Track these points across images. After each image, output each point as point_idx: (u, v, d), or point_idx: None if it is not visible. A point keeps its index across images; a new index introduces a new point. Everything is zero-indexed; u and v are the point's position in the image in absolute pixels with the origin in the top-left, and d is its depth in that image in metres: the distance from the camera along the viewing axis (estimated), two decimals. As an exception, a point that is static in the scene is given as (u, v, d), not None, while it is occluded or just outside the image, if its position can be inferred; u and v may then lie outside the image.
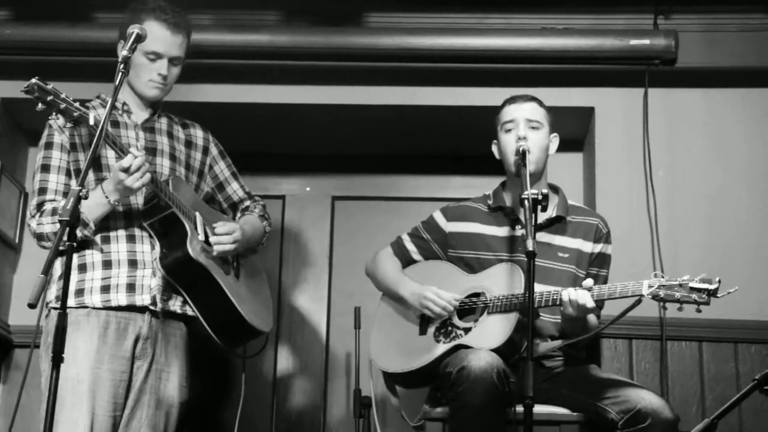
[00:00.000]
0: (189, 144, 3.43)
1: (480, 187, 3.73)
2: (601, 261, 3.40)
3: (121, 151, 3.00)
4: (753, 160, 4.11)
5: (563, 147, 3.57)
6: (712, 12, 4.14)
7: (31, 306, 2.33)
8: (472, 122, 4.10)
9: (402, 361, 3.34)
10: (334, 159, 4.70)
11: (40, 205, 3.14)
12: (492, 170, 3.72)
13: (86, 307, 3.08)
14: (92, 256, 3.13)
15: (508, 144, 3.35)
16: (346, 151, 4.67)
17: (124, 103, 3.28)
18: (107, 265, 3.13)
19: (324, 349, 4.52)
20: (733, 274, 3.67)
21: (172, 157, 3.33)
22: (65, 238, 2.47)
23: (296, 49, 4.15)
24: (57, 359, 2.42)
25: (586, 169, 4.35)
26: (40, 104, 2.84)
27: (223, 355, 3.40)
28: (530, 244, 2.84)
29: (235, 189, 3.54)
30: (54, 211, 3.08)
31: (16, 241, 4.34)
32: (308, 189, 4.72)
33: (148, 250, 3.17)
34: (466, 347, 3.14)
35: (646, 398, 3.01)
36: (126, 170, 2.97)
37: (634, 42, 4.05)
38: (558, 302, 3.13)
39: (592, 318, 3.25)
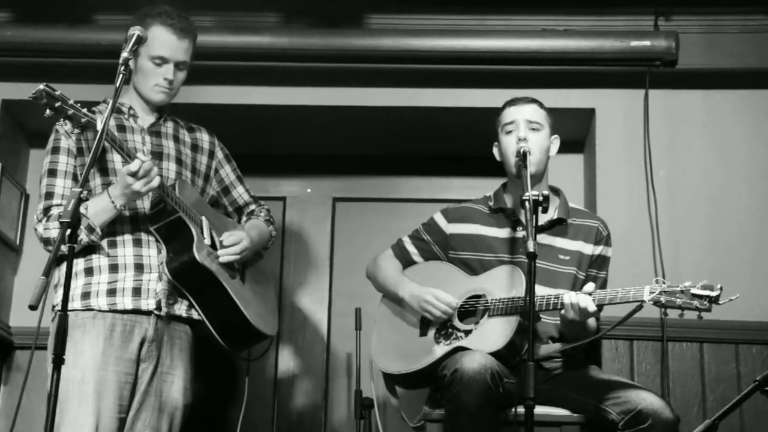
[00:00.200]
0: (195, 148, 3.44)
1: (481, 188, 3.74)
2: (600, 263, 3.40)
3: (128, 155, 3.01)
4: (753, 161, 4.11)
5: (564, 148, 3.57)
6: (712, 13, 4.14)
7: (32, 308, 2.33)
8: (473, 123, 4.10)
9: (402, 362, 3.34)
10: (334, 160, 4.70)
11: (46, 210, 3.15)
12: (493, 172, 3.73)
13: (92, 309, 3.10)
14: (99, 260, 3.15)
15: (508, 146, 3.35)
16: (347, 153, 4.67)
17: (130, 108, 3.30)
18: (114, 269, 3.15)
19: (325, 350, 4.52)
20: (734, 275, 3.68)
21: (179, 161, 3.34)
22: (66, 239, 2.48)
23: (297, 51, 4.15)
24: (58, 361, 2.42)
25: (586, 171, 4.35)
26: (48, 110, 2.85)
27: (228, 357, 3.40)
28: (531, 246, 2.84)
29: (240, 193, 3.55)
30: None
31: (17, 242, 4.34)
32: (309, 190, 4.72)
33: (154, 254, 3.18)
34: (466, 349, 3.14)
35: (647, 399, 3.01)
36: (134, 175, 2.98)
37: (634, 43, 4.05)
38: (559, 306, 3.13)
39: (591, 321, 3.25)
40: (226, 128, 3.68)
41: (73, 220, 2.47)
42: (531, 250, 2.84)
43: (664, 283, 3.04)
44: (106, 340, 3.08)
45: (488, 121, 3.50)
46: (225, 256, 3.25)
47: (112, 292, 3.12)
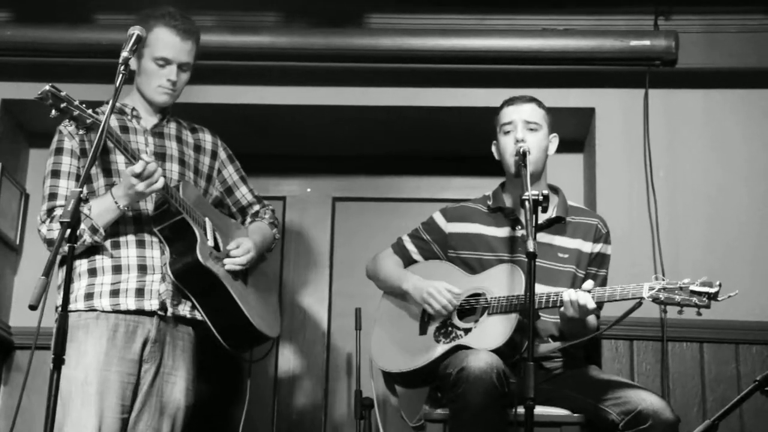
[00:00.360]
0: (198, 148, 3.44)
1: (480, 187, 3.73)
2: (600, 261, 3.40)
3: (132, 156, 3.02)
4: (753, 161, 4.11)
5: (563, 148, 3.57)
6: (712, 13, 4.14)
7: (32, 308, 2.33)
8: (473, 123, 4.09)
9: (401, 360, 3.34)
10: (334, 160, 4.70)
11: (50, 211, 3.15)
12: (492, 171, 3.72)
13: (95, 310, 3.11)
14: (102, 261, 3.15)
15: (506, 146, 3.35)
16: (347, 152, 4.67)
17: (134, 109, 3.30)
18: (117, 270, 3.15)
19: (325, 350, 4.52)
20: (734, 274, 3.67)
21: (182, 162, 3.34)
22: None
23: (297, 51, 4.16)
24: (57, 361, 2.42)
25: (586, 170, 4.35)
26: (53, 111, 2.85)
27: (230, 358, 3.40)
28: (531, 245, 2.84)
29: (243, 193, 3.55)
30: None
31: (17, 242, 4.34)
32: (309, 190, 4.72)
33: (157, 255, 3.19)
34: (466, 348, 3.14)
35: (647, 399, 3.01)
36: (138, 176, 2.99)
37: (634, 43, 4.05)
38: (558, 303, 3.13)
39: (591, 319, 3.25)
40: (226, 128, 3.68)
41: (73, 220, 2.47)
42: (531, 249, 2.84)
43: (663, 280, 3.04)
44: (109, 341, 3.08)
45: (488, 121, 3.50)
46: (230, 264, 3.26)
47: (115, 293, 3.12)
